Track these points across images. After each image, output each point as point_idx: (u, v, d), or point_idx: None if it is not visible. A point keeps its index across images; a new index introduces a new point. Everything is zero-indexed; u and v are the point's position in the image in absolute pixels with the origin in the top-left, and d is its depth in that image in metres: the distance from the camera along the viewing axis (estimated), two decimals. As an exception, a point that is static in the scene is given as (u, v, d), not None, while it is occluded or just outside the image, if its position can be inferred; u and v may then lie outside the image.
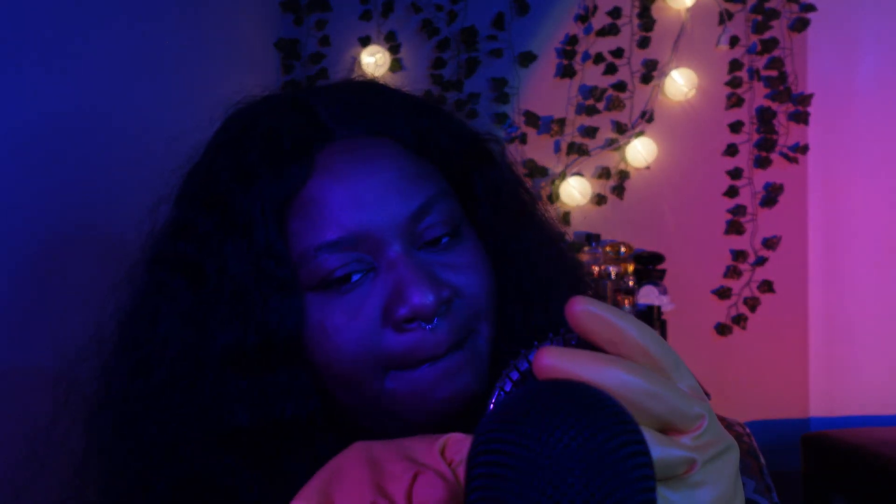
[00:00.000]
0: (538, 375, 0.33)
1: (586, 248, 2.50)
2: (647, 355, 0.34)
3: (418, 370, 0.52)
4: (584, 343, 0.35)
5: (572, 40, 2.56)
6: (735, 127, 2.49)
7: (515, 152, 2.60)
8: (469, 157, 0.59)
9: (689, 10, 2.49)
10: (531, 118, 2.59)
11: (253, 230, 0.53)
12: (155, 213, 0.59)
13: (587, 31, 2.55)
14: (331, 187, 0.53)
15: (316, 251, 0.52)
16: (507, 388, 0.38)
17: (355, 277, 0.52)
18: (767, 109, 2.47)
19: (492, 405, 0.38)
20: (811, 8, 2.43)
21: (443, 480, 0.39)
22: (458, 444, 0.41)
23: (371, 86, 0.62)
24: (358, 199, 0.52)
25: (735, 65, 2.48)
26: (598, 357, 0.33)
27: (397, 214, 0.52)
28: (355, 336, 0.52)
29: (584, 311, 0.33)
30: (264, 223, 0.53)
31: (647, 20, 2.52)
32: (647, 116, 2.53)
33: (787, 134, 2.47)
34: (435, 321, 0.51)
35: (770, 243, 2.48)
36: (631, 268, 2.38)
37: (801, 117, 2.44)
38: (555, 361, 0.32)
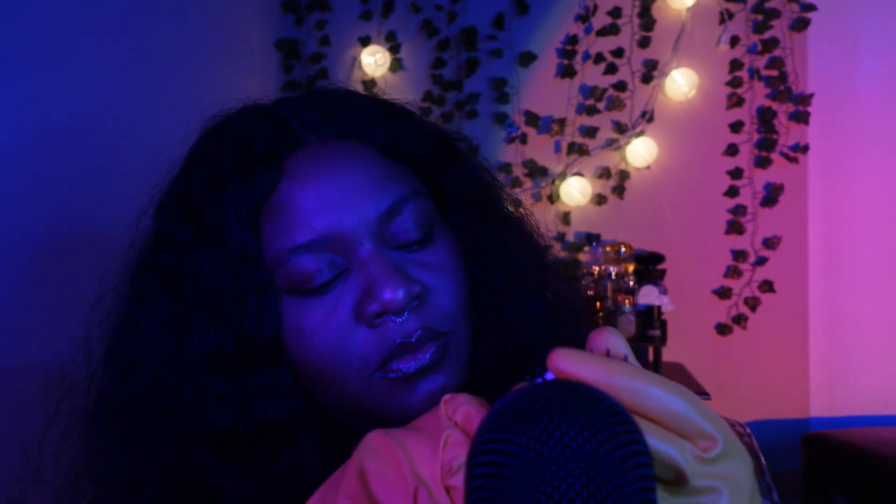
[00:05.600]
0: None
1: (586, 248, 2.50)
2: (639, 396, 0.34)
3: (397, 369, 0.52)
4: None
5: (572, 40, 2.56)
6: (735, 127, 2.49)
7: (516, 152, 2.61)
8: (438, 156, 0.60)
9: (689, 9, 2.49)
10: (531, 118, 2.59)
11: (227, 236, 0.54)
12: (138, 225, 0.60)
13: (587, 30, 2.55)
14: (299, 190, 0.54)
15: (289, 254, 0.53)
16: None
17: (328, 276, 0.53)
18: (768, 109, 2.47)
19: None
20: (811, 7, 2.43)
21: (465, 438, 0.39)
22: (455, 404, 0.41)
23: (342, 92, 0.63)
24: (326, 201, 0.53)
25: (735, 64, 2.48)
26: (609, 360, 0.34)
27: (367, 214, 0.53)
28: (331, 336, 0.53)
29: (562, 364, 0.34)
30: (238, 228, 0.54)
31: (647, 20, 2.52)
32: (648, 116, 2.53)
33: (788, 134, 2.46)
34: (405, 315, 0.52)
35: (770, 243, 2.48)
36: (631, 268, 2.38)
37: (801, 117, 2.44)
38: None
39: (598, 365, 0.34)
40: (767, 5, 2.45)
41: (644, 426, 0.33)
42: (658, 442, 0.33)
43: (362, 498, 0.39)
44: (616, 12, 2.53)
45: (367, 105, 0.61)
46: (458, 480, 0.38)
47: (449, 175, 0.60)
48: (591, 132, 2.56)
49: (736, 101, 2.48)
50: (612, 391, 0.33)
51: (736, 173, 2.49)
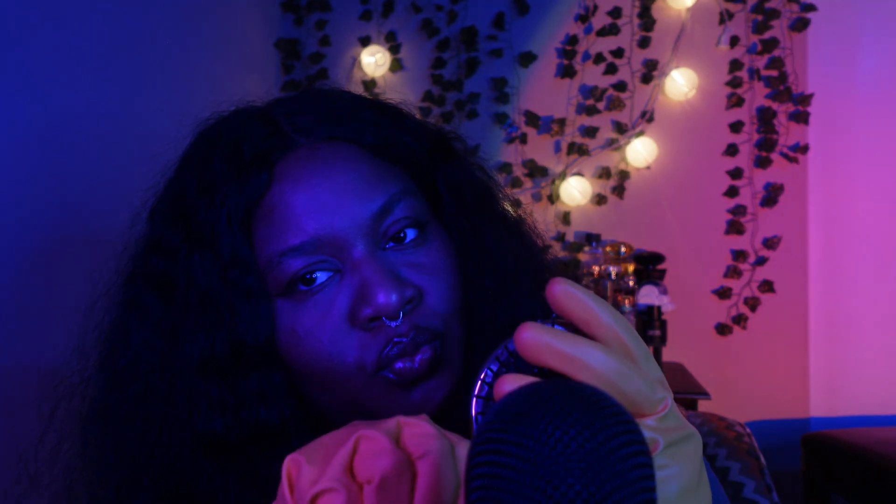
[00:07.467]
0: (519, 350, 0.35)
1: (586, 248, 2.50)
2: (619, 340, 0.36)
3: (397, 370, 0.52)
4: (570, 328, 0.37)
5: (572, 40, 2.56)
6: (735, 127, 2.49)
7: (516, 152, 2.61)
8: (432, 156, 0.60)
9: (689, 9, 2.49)
10: (531, 118, 2.59)
11: (218, 241, 0.54)
12: (132, 229, 0.60)
13: (587, 30, 2.55)
14: (291, 193, 0.54)
15: (280, 257, 0.53)
16: (489, 378, 0.39)
17: (321, 279, 0.53)
18: (768, 109, 2.47)
19: (475, 396, 0.39)
20: (811, 8, 2.43)
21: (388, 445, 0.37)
22: (416, 436, 0.40)
23: (335, 93, 0.63)
24: (318, 203, 0.53)
25: (735, 65, 2.48)
26: (578, 337, 0.35)
27: (358, 216, 0.53)
28: (326, 338, 0.52)
29: (563, 290, 0.36)
30: (230, 233, 0.54)
31: (647, 20, 2.52)
32: (648, 116, 2.53)
33: (788, 134, 2.47)
34: (400, 317, 0.52)
35: (770, 243, 2.48)
36: (631, 268, 2.38)
37: (801, 117, 2.44)
38: (535, 335, 0.34)
39: (606, 305, 0.36)
40: (767, 5, 2.45)
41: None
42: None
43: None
44: (616, 12, 2.53)
45: (360, 106, 0.60)
46: None
47: (443, 175, 0.60)
48: (591, 132, 2.56)
49: (736, 101, 2.48)
50: (612, 328, 0.36)
51: (736, 173, 2.49)
